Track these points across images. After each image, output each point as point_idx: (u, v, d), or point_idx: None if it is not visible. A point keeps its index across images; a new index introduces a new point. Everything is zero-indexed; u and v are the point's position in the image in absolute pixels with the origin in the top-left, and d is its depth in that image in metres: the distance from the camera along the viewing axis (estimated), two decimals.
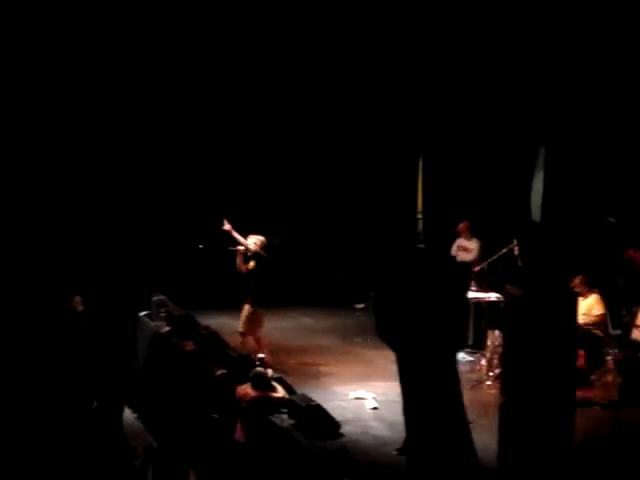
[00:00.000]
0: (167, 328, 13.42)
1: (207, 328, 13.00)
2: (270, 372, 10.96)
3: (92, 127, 17.33)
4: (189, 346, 12.66)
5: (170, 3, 16.70)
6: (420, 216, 17.04)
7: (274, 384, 10.43)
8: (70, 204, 17.08)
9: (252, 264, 12.60)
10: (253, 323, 12.62)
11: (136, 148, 17.57)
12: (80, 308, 14.04)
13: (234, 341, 12.68)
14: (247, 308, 12.64)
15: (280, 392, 10.35)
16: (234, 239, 12.63)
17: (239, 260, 12.66)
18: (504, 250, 13.75)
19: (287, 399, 10.29)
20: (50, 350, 13.39)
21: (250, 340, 12.81)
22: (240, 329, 12.68)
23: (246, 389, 10.25)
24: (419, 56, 16.31)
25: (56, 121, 17.10)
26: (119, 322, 14.26)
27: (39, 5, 16.19)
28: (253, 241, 12.62)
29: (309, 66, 17.28)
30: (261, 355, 11.81)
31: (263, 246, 12.63)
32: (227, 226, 12.58)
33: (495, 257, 13.95)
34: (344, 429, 10.22)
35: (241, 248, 12.63)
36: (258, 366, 11.00)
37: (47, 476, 10.42)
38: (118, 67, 16.95)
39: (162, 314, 13.78)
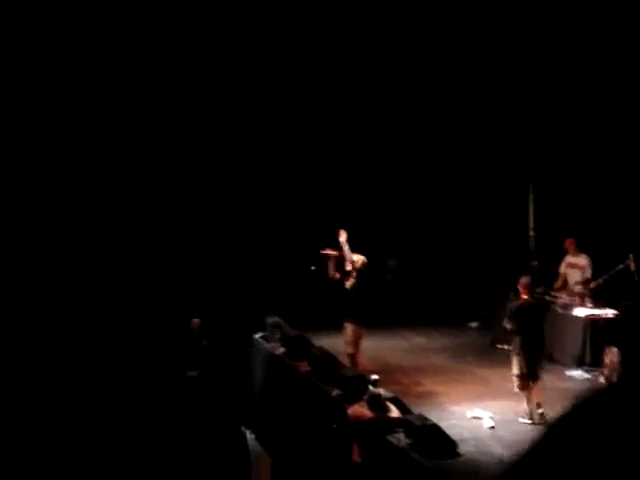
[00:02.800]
0: (282, 349, 13.56)
1: (321, 349, 13.10)
2: (383, 392, 10.97)
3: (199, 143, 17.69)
4: (304, 367, 12.77)
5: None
6: (532, 233, 16.87)
7: (388, 404, 10.45)
8: (189, 229, 17.45)
9: (351, 282, 12.72)
10: (356, 342, 12.75)
11: (248, 174, 17.86)
12: (196, 331, 14.38)
13: (348, 361, 12.77)
14: (350, 327, 12.74)
15: (395, 412, 10.36)
16: (341, 252, 12.77)
17: (331, 266, 12.79)
18: (621, 266, 13.52)
19: (402, 419, 10.30)
20: (174, 372, 13.72)
21: (361, 358, 12.93)
22: (348, 350, 12.78)
23: (362, 410, 10.27)
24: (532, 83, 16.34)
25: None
26: (236, 344, 14.49)
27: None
28: (355, 260, 12.75)
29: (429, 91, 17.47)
30: (375, 376, 11.83)
31: (364, 266, 12.75)
32: (343, 237, 12.72)
33: (611, 273, 13.73)
34: (461, 448, 10.16)
35: (333, 253, 12.73)
36: (373, 386, 11.03)
37: None
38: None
39: (277, 335, 13.94)
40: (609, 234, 15.30)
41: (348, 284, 12.77)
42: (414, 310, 16.99)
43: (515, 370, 11.56)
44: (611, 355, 12.07)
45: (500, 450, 10.33)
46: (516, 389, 11.63)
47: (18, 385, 13.35)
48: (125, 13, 16.67)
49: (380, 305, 14.75)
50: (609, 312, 13.53)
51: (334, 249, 12.91)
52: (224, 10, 16.95)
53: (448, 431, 10.29)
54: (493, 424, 11.14)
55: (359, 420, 10.20)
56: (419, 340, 15.84)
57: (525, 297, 11.89)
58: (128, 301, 16.15)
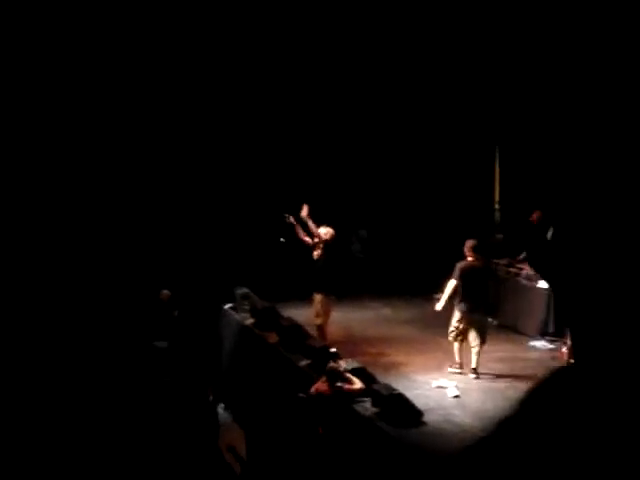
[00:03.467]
0: (251, 320, 13.70)
1: (290, 319, 13.25)
2: (343, 364, 11.08)
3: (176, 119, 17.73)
4: (273, 338, 12.92)
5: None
6: (497, 206, 17.07)
7: (349, 376, 10.59)
8: (157, 200, 17.47)
9: (319, 253, 12.87)
10: (324, 312, 12.92)
11: (218, 140, 17.90)
12: (165, 302, 14.47)
13: (316, 332, 12.94)
14: (318, 298, 12.91)
15: (357, 384, 10.50)
16: (307, 226, 12.94)
17: (299, 232, 12.98)
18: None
19: (365, 390, 10.46)
20: (143, 341, 13.82)
21: (330, 329, 13.12)
22: (316, 321, 12.94)
23: (323, 385, 10.39)
24: (497, 46, 16.34)
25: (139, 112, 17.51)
26: (206, 315, 14.60)
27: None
28: (323, 232, 12.89)
29: (384, 56, 17.48)
30: (333, 349, 12.00)
31: (332, 237, 12.90)
32: (304, 212, 12.87)
33: None
34: (426, 417, 10.36)
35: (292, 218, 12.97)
36: (332, 359, 11.17)
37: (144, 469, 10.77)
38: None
39: (246, 306, 14.07)
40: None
41: (316, 256, 12.91)
42: (381, 281, 17.18)
43: (454, 322, 12.33)
44: None
45: (465, 419, 10.55)
46: (450, 338, 12.40)
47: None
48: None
49: (347, 276, 14.85)
50: None
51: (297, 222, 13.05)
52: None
53: (414, 400, 10.49)
54: (458, 393, 11.35)
55: (321, 394, 10.30)
56: (385, 311, 16.01)
57: (470, 259, 12.39)
58: (97, 272, 16.21)
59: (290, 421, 10.68)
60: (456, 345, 12.34)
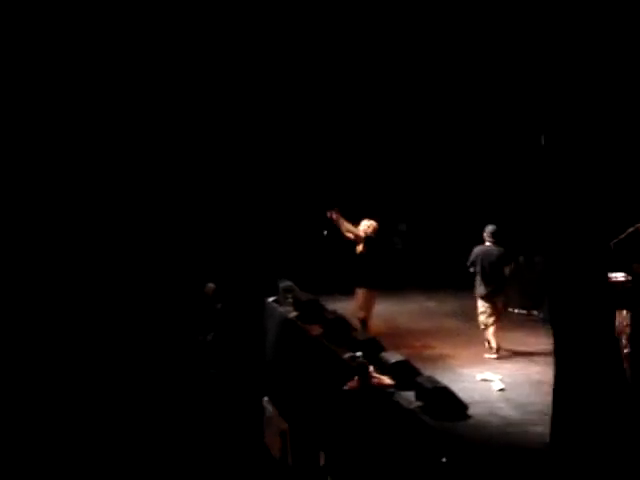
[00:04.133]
0: (295, 313, 13.67)
1: (333, 312, 13.21)
2: (392, 356, 11.05)
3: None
4: (316, 330, 12.88)
5: None
6: None
7: (376, 375, 10.47)
8: (204, 193, 17.55)
9: (361, 247, 12.79)
10: (368, 307, 12.86)
11: (263, 135, 17.93)
12: (210, 295, 14.52)
13: (359, 325, 12.89)
14: (361, 292, 12.85)
15: (385, 380, 10.42)
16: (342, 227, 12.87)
17: (342, 225, 12.86)
18: (631, 229, 13.52)
19: (394, 385, 10.37)
20: (189, 335, 13.87)
21: (373, 322, 13.06)
22: (360, 315, 12.89)
23: (352, 382, 10.35)
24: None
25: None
26: (249, 308, 14.61)
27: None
28: (366, 225, 12.81)
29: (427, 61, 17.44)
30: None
31: (375, 231, 12.82)
32: (334, 216, 12.81)
33: (622, 236, 13.73)
34: (471, 411, 10.27)
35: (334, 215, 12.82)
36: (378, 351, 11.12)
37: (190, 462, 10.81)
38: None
39: (289, 299, 14.05)
40: (622, 199, 15.28)
41: (359, 249, 12.84)
42: (425, 274, 17.08)
43: (481, 309, 12.84)
44: (621, 317, 12.13)
45: (510, 412, 10.44)
46: (481, 326, 12.83)
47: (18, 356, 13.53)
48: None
49: (391, 269, 14.79)
50: (619, 275, 13.56)
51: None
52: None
53: (458, 393, 10.40)
54: (503, 386, 11.24)
55: (353, 390, 10.24)
56: (430, 304, 15.95)
57: (487, 244, 12.96)
58: (144, 267, 16.29)
59: (333, 415, 10.66)
60: (491, 330, 12.68)
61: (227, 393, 12.48)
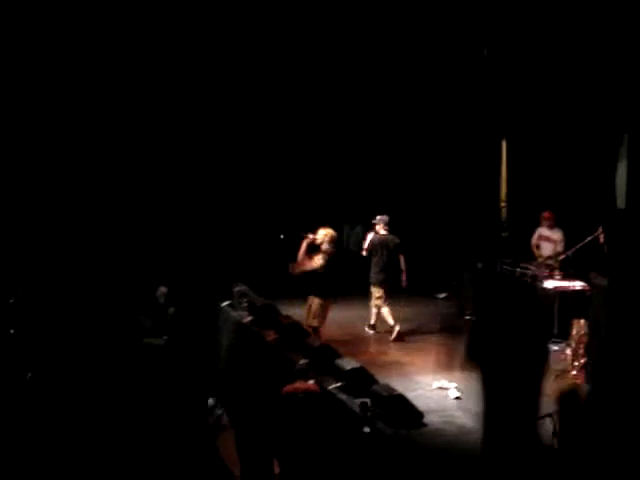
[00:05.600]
0: (249, 318, 13.50)
1: (288, 317, 13.05)
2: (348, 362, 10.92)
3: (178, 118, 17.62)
4: (271, 335, 12.72)
5: None
6: (504, 204, 16.86)
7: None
8: (156, 196, 17.36)
9: (319, 259, 12.63)
10: (322, 315, 12.71)
11: (216, 138, 17.79)
12: (162, 299, 14.30)
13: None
14: (316, 301, 12.68)
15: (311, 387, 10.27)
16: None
17: (303, 250, 12.75)
18: (589, 238, 13.52)
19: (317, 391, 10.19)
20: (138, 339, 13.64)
21: (329, 328, 12.93)
22: (313, 323, 12.74)
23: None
24: (502, 40, 16.23)
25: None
26: (203, 312, 14.42)
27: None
28: (322, 235, 12.65)
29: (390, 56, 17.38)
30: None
31: (332, 240, 12.68)
32: (306, 240, 12.71)
33: (580, 245, 13.73)
34: (427, 418, 10.19)
35: (310, 237, 12.74)
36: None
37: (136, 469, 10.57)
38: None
39: (244, 304, 13.87)
40: (578, 206, 15.32)
41: (317, 261, 12.67)
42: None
43: (376, 294, 14.20)
44: (578, 327, 12.10)
45: (466, 420, 10.36)
46: (375, 309, 14.26)
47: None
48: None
49: (347, 275, 14.66)
50: (577, 285, 13.55)
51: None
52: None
53: (414, 401, 10.29)
54: (459, 394, 11.16)
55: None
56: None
57: (383, 232, 14.14)
58: (95, 269, 16.06)
59: (281, 419, 10.48)
60: (386, 310, 14.08)
61: (179, 400, 12.25)
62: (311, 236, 12.73)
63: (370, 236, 14.28)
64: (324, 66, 17.73)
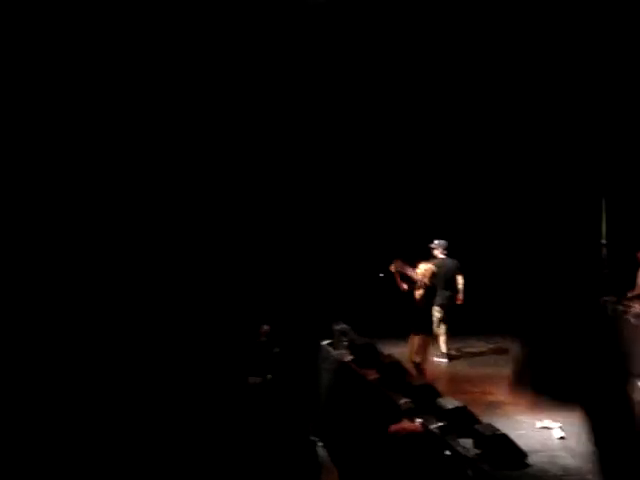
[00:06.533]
0: (350, 357, 13.58)
1: (389, 356, 13.09)
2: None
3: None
4: (372, 375, 12.76)
5: None
6: (604, 241, 16.66)
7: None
8: (259, 236, 17.65)
9: (420, 293, 12.69)
10: (424, 351, 12.74)
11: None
12: (265, 338, 14.49)
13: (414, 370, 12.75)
14: (417, 338, 12.75)
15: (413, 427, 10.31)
16: (405, 275, 12.86)
17: (397, 280, 13.04)
18: None
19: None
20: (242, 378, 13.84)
21: (430, 367, 12.94)
22: (416, 360, 12.76)
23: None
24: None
25: None
26: (305, 351, 14.55)
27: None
28: (423, 270, 12.73)
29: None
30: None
31: (432, 275, 12.74)
32: (393, 268, 12.88)
33: None
34: (531, 459, 10.09)
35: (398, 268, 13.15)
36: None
37: None
38: None
39: (344, 343, 13.96)
40: None
41: (418, 295, 12.74)
42: (484, 319, 16.85)
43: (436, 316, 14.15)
44: None
45: (570, 461, 10.24)
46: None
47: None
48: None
49: (448, 314, 14.67)
50: None
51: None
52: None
53: (517, 441, 10.21)
54: (563, 434, 11.04)
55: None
56: (489, 349, 15.72)
57: (441, 256, 14.59)
58: (200, 307, 16.37)
59: (386, 461, 10.52)
60: (443, 338, 14.46)
61: (282, 438, 12.37)
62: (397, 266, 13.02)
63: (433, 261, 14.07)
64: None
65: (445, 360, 14.47)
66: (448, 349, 14.63)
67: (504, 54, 17.40)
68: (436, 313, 14.10)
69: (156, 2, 16.94)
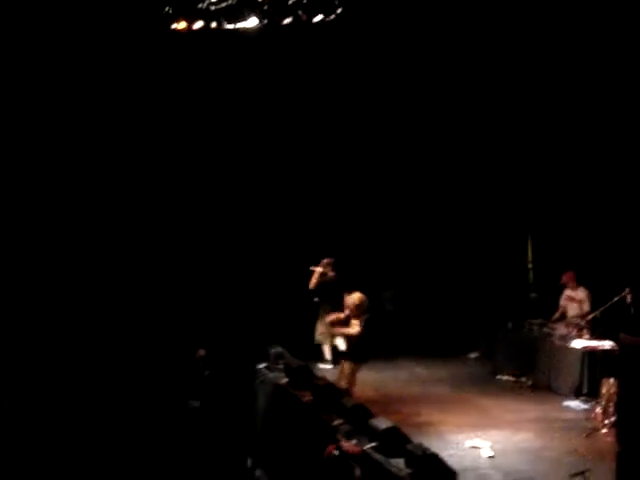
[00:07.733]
0: (285, 379, 13.70)
1: (323, 379, 13.24)
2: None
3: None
4: (307, 396, 12.91)
5: None
6: (531, 266, 17.10)
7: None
8: (194, 260, 17.70)
9: (356, 325, 12.86)
10: (352, 379, 12.97)
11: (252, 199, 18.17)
12: (201, 361, 14.57)
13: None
14: (347, 366, 12.93)
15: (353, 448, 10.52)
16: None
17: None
18: (617, 298, 13.74)
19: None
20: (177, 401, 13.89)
21: (362, 388, 13.13)
22: (342, 384, 12.94)
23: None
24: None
25: None
26: (239, 374, 14.66)
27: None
28: (354, 298, 12.82)
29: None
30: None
31: (362, 304, 12.81)
32: (319, 268, 13.49)
33: (608, 305, 13.95)
34: (461, 478, 10.28)
35: (318, 270, 14.73)
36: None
37: None
38: None
39: (280, 365, 14.09)
40: (606, 267, 15.53)
41: (351, 330, 12.87)
42: (413, 340, 17.18)
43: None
44: (608, 385, 12.29)
45: (499, 478, 10.51)
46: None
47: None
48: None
49: (379, 335, 14.89)
50: (606, 344, 13.75)
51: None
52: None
53: (448, 460, 10.41)
54: (492, 453, 11.30)
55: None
56: (419, 370, 16.01)
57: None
58: (133, 331, 16.37)
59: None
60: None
61: (216, 460, 12.44)
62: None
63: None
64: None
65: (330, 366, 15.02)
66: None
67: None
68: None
69: None
